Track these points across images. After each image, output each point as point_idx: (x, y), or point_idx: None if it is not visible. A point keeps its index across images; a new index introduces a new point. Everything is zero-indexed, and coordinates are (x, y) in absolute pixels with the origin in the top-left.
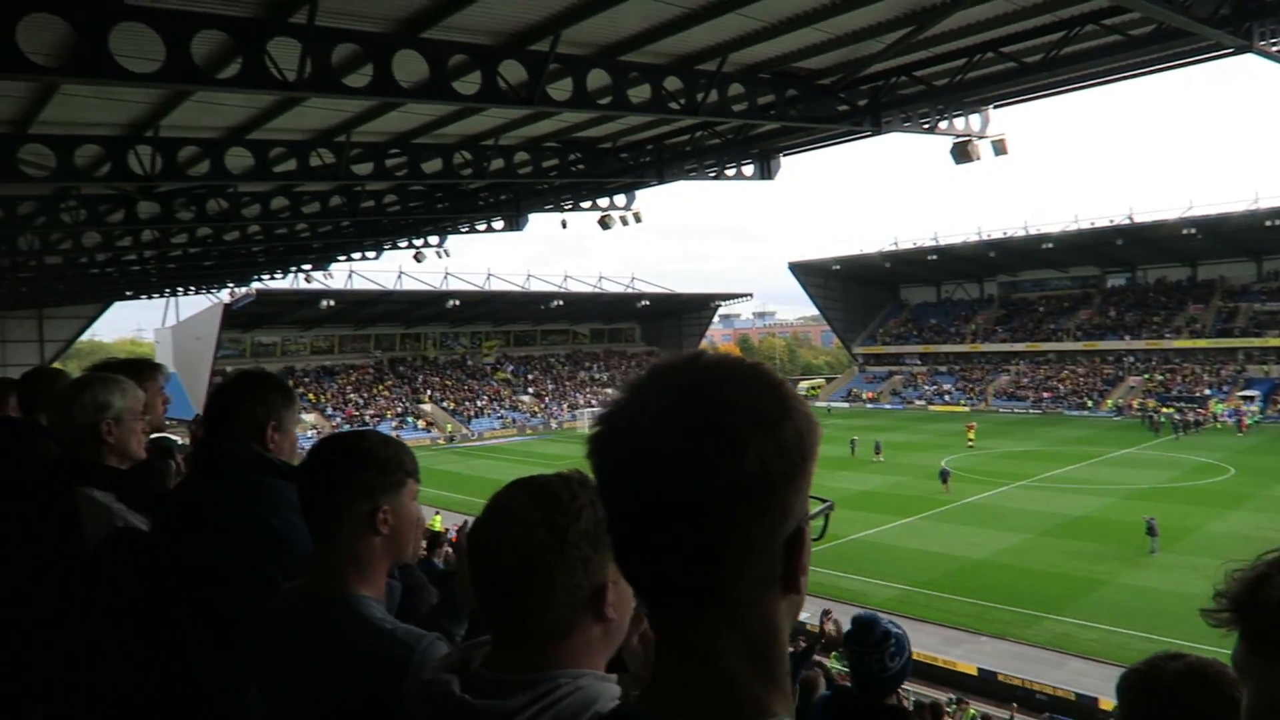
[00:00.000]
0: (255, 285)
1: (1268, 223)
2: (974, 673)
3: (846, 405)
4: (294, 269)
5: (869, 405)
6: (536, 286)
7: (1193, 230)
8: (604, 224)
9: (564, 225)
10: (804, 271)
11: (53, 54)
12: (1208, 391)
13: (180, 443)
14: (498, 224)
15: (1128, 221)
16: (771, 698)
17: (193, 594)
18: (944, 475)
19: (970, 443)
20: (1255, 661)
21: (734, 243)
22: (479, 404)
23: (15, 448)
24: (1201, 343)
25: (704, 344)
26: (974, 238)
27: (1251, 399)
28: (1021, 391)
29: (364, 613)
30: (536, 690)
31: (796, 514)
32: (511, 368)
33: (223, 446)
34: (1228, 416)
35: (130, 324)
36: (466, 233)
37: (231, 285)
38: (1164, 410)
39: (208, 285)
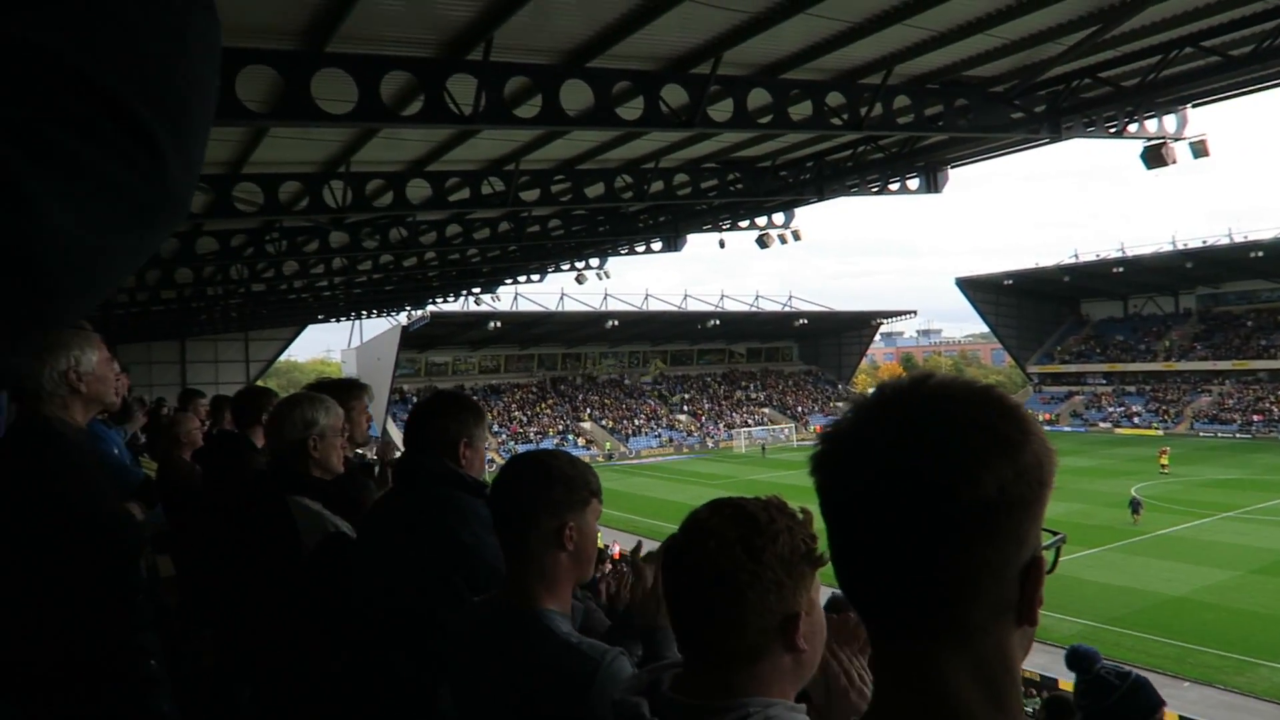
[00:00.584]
0: (430, 308)
1: None
2: None
3: None
4: (465, 292)
5: (1047, 428)
6: (693, 306)
7: None
8: (762, 243)
9: (722, 245)
10: (972, 287)
11: (264, 101)
12: None
13: (370, 458)
14: (656, 245)
15: None
16: None
17: (390, 600)
18: (1135, 505)
19: (1164, 468)
20: None
21: (897, 259)
22: (636, 422)
23: (233, 459)
24: None
25: (864, 363)
26: (1166, 247)
27: None
28: (1226, 414)
29: (552, 626)
30: (726, 717)
31: (1032, 542)
32: (665, 386)
33: (419, 461)
34: None
35: (320, 345)
36: (626, 254)
37: (409, 308)
38: None
39: (388, 308)
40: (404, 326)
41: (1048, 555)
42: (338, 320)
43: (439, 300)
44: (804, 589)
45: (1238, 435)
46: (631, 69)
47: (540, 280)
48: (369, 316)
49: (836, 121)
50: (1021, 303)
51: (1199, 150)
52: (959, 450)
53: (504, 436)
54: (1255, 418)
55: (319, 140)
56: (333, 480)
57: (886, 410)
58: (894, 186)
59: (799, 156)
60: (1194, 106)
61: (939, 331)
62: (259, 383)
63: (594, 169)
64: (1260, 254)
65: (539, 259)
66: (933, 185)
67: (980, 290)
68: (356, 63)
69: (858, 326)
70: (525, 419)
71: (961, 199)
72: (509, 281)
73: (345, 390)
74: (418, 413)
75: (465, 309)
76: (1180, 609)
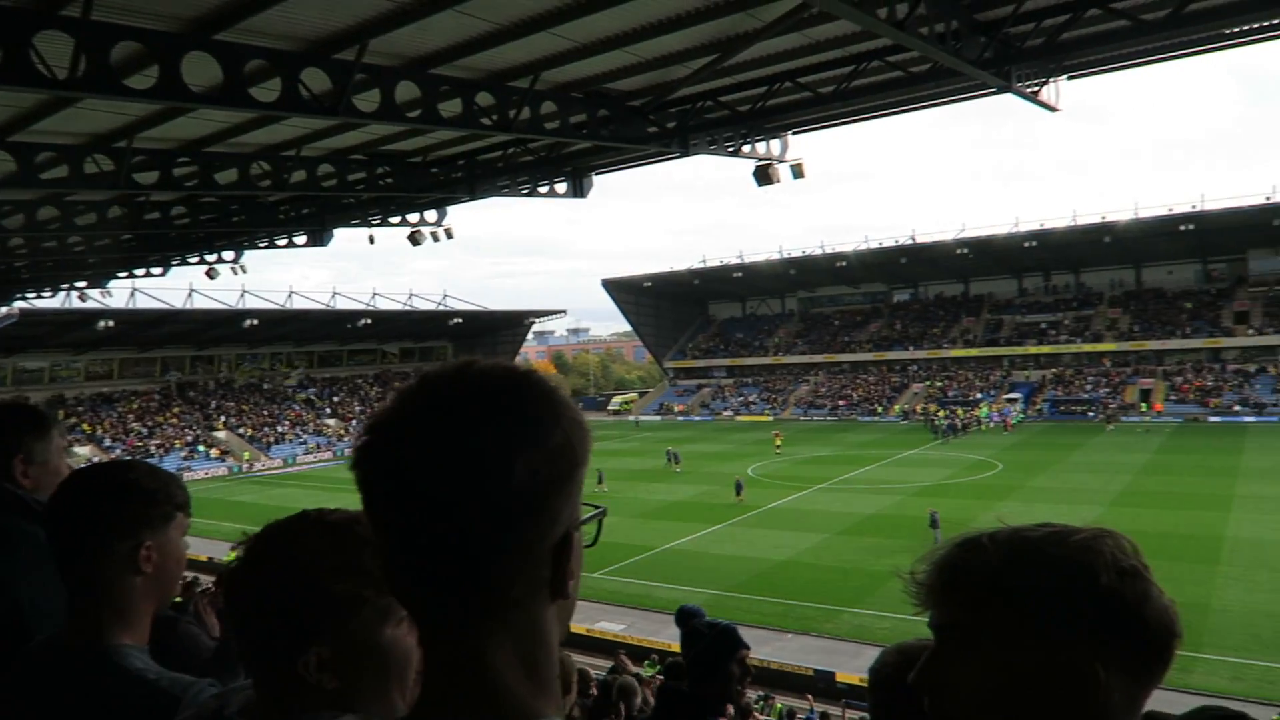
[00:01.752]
0: (18, 304)
1: (1025, 244)
2: (789, 669)
3: (659, 418)
4: (66, 286)
5: (680, 418)
6: (343, 305)
7: (965, 250)
8: (414, 240)
9: (371, 241)
10: (617, 288)
11: None
12: (979, 395)
13: None
14: (300, 239)
15: (910, 242)
16: (541, 701)
17: None
18: (738, 486)
19: (778, 449)
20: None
21: (550, 260)
22: (279, 429)
23: None
24: (973, 351)
25: (518, 361)
26: (776, 256)
27: (1014, 401)
28: (820, 400)
29: (125, 664)
30: None
31: (564, 520)
32: (314, 390)
33: None
34: (992, 419)
35: None
36: (266, 248)
37: None
38: (940, 414)
39: None
40: None
41: (589, 529)
42: None
43: (30, 295)
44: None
45: (829, 418)
46: (267, 47)
47: (164, 274)
48: None
49: (486, 121)
50: (659, 303)
51: (797, 172)
52: (489, 436)
53: (119, 451)
54: (841, 402)
55: None
56: None
57: (423, 401)
58: (543, 189)
59: (451, 154)
60: (794, 133)
61: (587, 330)
62: None
63: (226, 153)
64: (844, 264)
65: (160, 250)
66: (579, 190)
67: (624, 291)
68: None
69: (511, 325)
70: (146, 430)
71: (611, 204)
72: (123, 275)
73: None
74: None
75: (66, 306)
76: (785, 571)
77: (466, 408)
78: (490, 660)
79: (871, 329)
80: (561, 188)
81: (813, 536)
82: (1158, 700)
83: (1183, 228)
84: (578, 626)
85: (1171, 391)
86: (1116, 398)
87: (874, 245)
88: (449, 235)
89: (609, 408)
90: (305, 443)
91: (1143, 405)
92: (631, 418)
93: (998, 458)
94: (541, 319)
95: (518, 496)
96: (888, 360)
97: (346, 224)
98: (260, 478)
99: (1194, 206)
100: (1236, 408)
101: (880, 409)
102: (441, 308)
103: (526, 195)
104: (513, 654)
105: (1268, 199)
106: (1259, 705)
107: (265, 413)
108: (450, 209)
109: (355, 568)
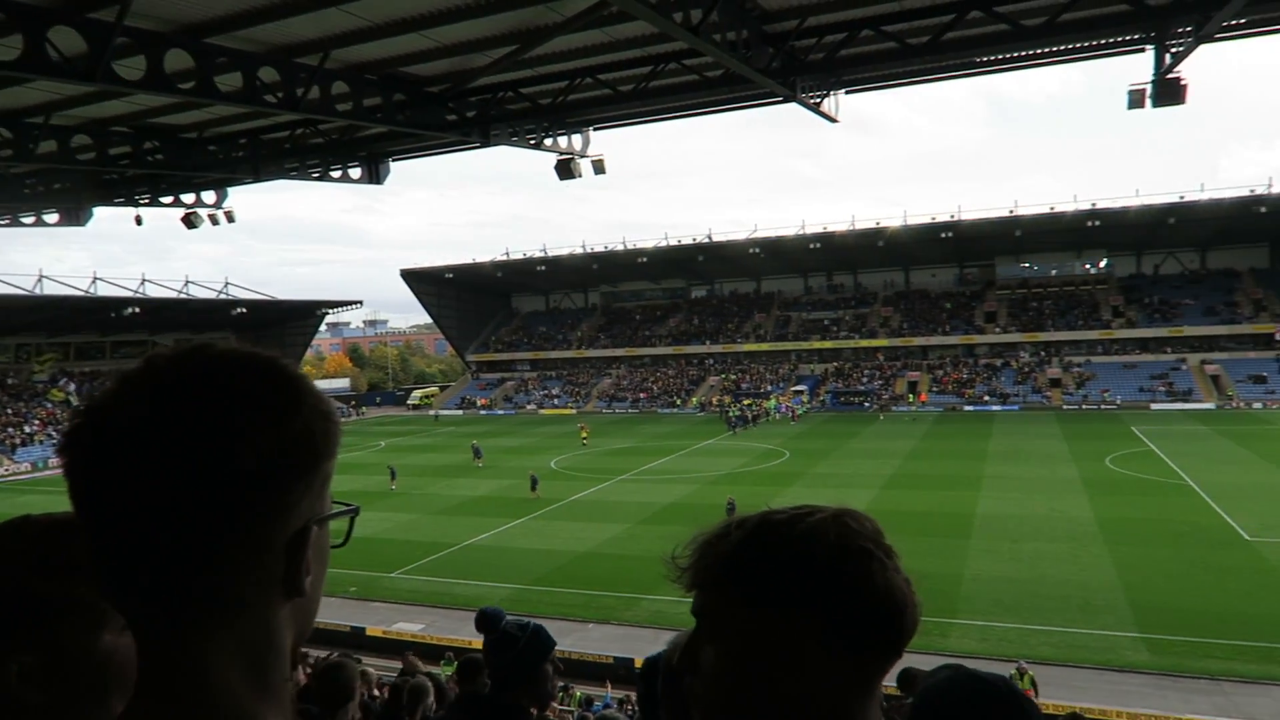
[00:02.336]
0: None
1: (810, 246)
2: (589, 659)
3: (461, 413)
4: None
5: (483, 412)
6: (106, 291)
7: (757, 250)
8: (190, 222)
9: (139, 222)
10: (417, 279)
11: None
12: (769, 388)
13: None
14: (51, 217)
15: (708, 240)
16: (264, 707)
17: None
18: (533, 481)
19: (585, 441)
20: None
21: (345, 248)
22: (27, 430)
23: None
24: (764, 346)
25: (310, 354)
26: (579, 250)
27: (801, 393)
28: (622, 393)
29: None
30: None
31: (302, 512)
32: (73, 386)
33: None
34: (780, 410)
35: None
36: (8, 225)
37: None
38: (734, 406)
39: None
40: None
41: (338, 525)
42: None
43: None
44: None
45: (630, 410)
46: None
47: None
48: None
49: (271, 99)
50: (461, 295)
51: (599, 167)
52: (216, 419)
53: None
54: (642, 395)
55: None
56: None
57: (146, 382)
58: (336, 173)
59: (232, 131)
60: (595, 129)
61: (385, 322)
62: None
63: None
64: (645, 260)
65: None
66: (375, 175)
67: (424, 283)
68: None
69: (302, 316)
70: None
71: (411, 193)
72: None
73: None
74: None
75: None
76: (587, 562)
77: (190, 388)
78: (209, 665)
79: (671, 324)
80: (356, 173)
81: (614, 527)
82: (917, 663)
83: (943, 235)
84: (374, 629)
85: (934, 384)
86: (888, 389)
87: (673, 242)
88: (230, 219)
89: (408, 402)
90: (58, 444)
91: (910, 396)
92: (431, 412)
93: (785, 446)
94: (336, 310)
95: (243, 486)
96: (686, 354)
97: (109, 202)
98: (1, 484)
99: (952, 216)
100: (986, 398)
101: (679, 401)
102: (223, 296)
103: (318, 179)
104: (236, 658)
105: (1011, 211)
106: (1000, 662)
107: (10, 411)
108: (231, 191)
109: (67, 567)
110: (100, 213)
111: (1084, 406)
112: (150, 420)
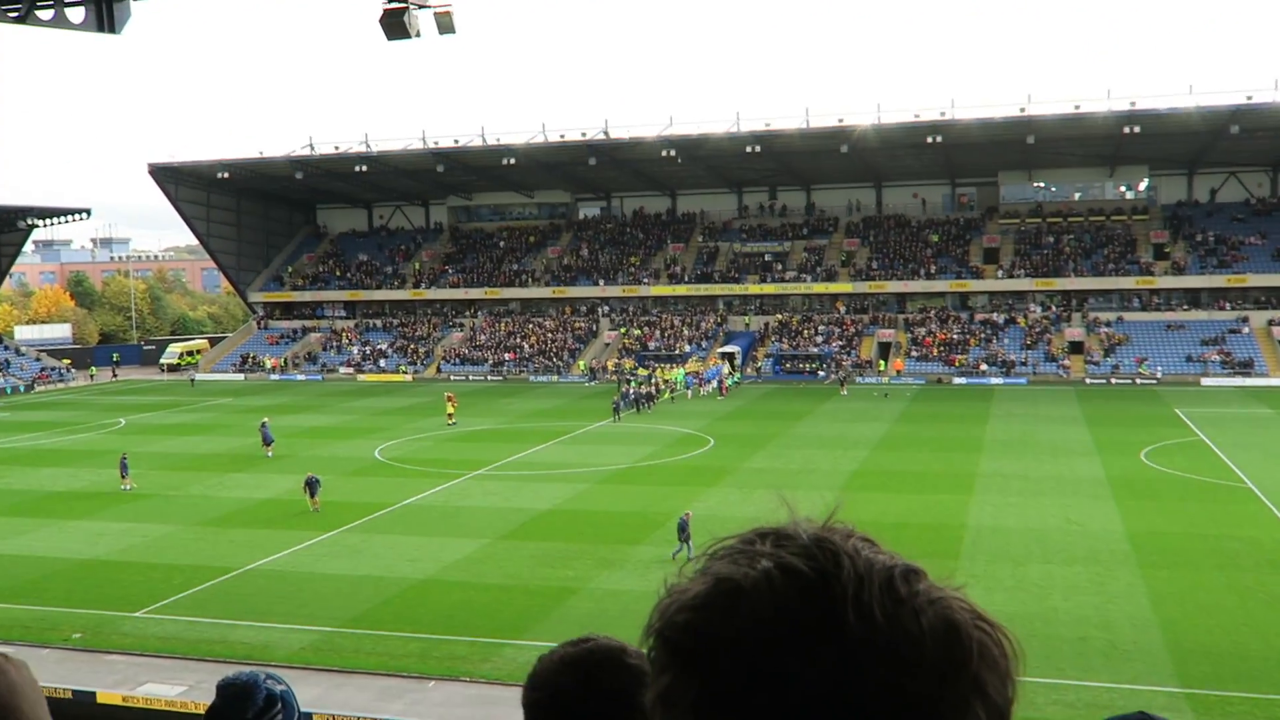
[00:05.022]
0: None
1: (748, 149)
2: None
3: (241, 377)
4: None
5: (274, 376)
6: None
7: (672, 151)
8: None
9: None
10: (174, 179)
11: None
12: (688, 348)
13: None
14: None
15: (603, 137)
16: None
17: None
18: (311, 486)
19: (451, 420)
20: None
21: (60, 126)
22: None
23: None
24: (681, 289)
25: (9, 287)
26: (418, 145)
27: (731, 356)
28: (478, 352)
29: None
30: None
31: None
32: None
33: None
34: (690, 383)
35: None
36: None
37: None
38: (634, 377)
39: None
40: None
41: None
42: None
43: None
44: None
45: (491, 378)
46: None
47: None
48: None
49: None
50: (243, 205)
51: (445, 24)
52: None
53: None
54: (508, 356)
55: None
56: None
57: None
58: (46, 14)
59: None
60: None
61: (126, 242)
62: None
63: None
64: (513, 160)
65: None
66: (107, 20)
67: (186, 185)
68: None
69: None
70: None
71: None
72: None
73: None
74: None
75: None
76: (426, 593)
77: None
78: None
79: (550, 255)
80: (77, 15)
81: (464, 543)
82: None
83: (930, 140)
84: (108, 694)
85: (913, 346)
86: (852, 353)
87: (554, 138)
88: None
89: (162, 361)
90: None
91: (881, 364)
92: (191, 375)
93: (709, 430)
94: (49, 221)
95: None
96: (570, 298)
97: None
98: None
99: (943, 114)
100: (983, 366)
101: (560, 365)
102: None
103: (16, 22)
104: None
105: (1021, 110)
106: None
107: None
108: None
109: None
110: None
111: (1113, 381)
112: None
